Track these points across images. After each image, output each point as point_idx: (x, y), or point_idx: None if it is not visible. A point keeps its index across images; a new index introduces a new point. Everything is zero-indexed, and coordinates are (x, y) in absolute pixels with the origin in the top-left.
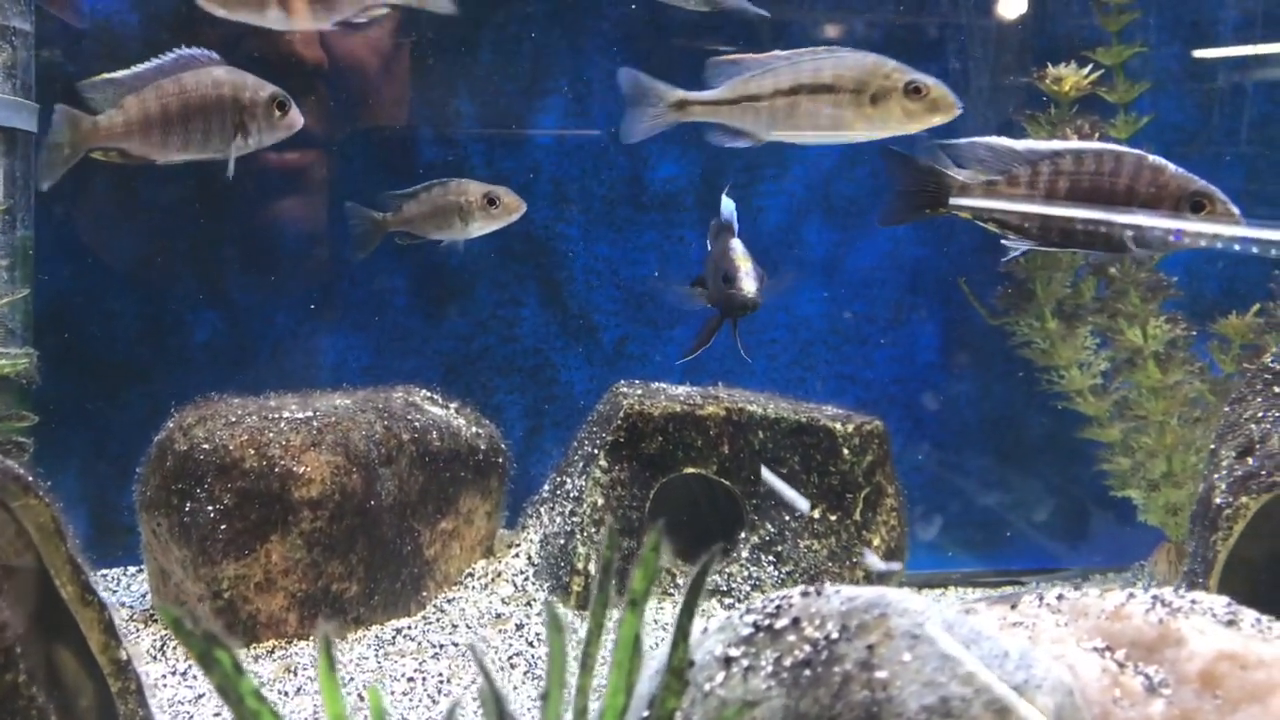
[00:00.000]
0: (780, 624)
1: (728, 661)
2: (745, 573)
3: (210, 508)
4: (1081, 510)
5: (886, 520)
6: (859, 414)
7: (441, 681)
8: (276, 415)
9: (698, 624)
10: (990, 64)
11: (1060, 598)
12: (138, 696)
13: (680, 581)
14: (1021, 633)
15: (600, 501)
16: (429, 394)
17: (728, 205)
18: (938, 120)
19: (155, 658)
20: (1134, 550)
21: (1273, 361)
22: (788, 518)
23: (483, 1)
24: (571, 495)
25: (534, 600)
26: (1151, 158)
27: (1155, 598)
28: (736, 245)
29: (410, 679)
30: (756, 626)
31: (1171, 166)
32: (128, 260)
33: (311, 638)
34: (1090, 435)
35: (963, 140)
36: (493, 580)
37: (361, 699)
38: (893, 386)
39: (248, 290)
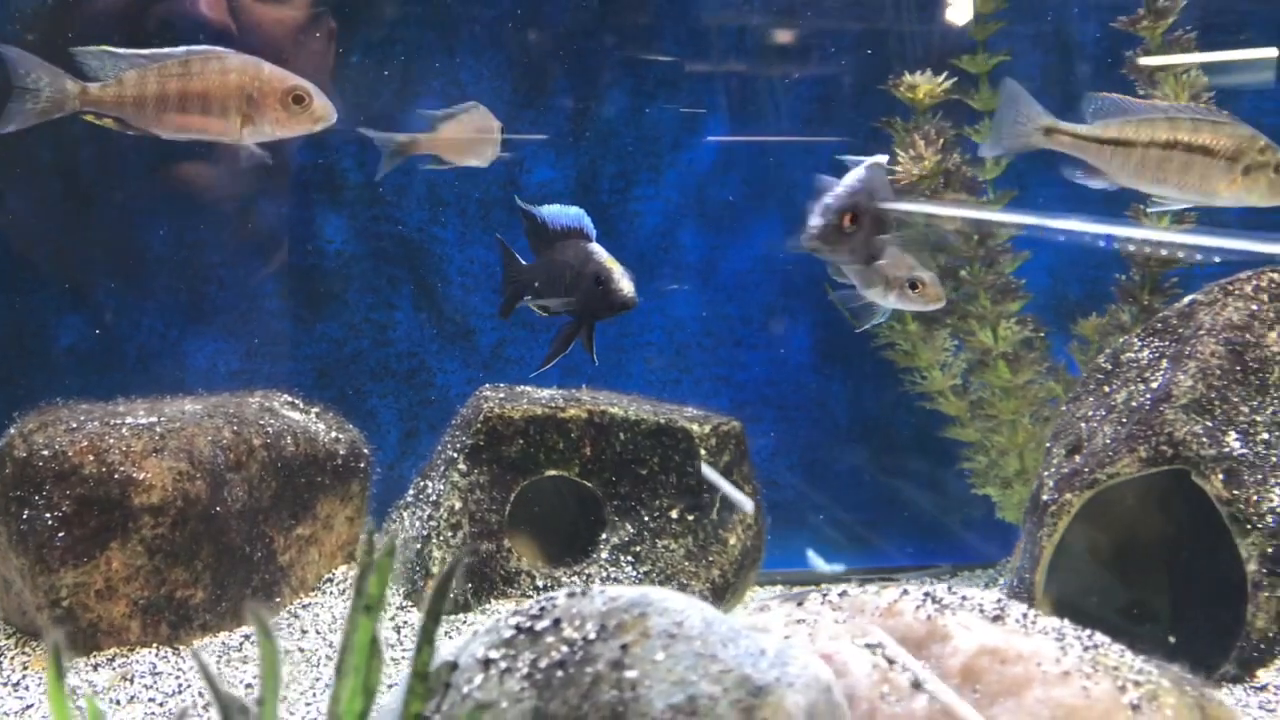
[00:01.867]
0: (541, 625)
1: (487, 664)
2: (604, 573)
3: (48, 515)
4: (951, 508)
5: (743, 519)
6: (717, 415)
7: (283, 688)
8: (119, 421)
9: None
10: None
11: (843, 595)
12: None
13: (540, 584)
14: (803, 630)
15: (458, 505)
16: (290, 399)
17: (569, 211)
18: None
19: None
20: (1003, 547)
21: (1105, 361)
22: (646, 519)
23: (355, 2)
24: (430, 499)
25: (388, 605)
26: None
27: (927, 595)
28: (599, 248)
29: (249, 685)
30: (519, 629)
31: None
32: None
33: (154, 644)
34: (952, 435)
35: None
36: (352, 585)
37: (201, 705)
38: (766, 388)
39: (114, 294)
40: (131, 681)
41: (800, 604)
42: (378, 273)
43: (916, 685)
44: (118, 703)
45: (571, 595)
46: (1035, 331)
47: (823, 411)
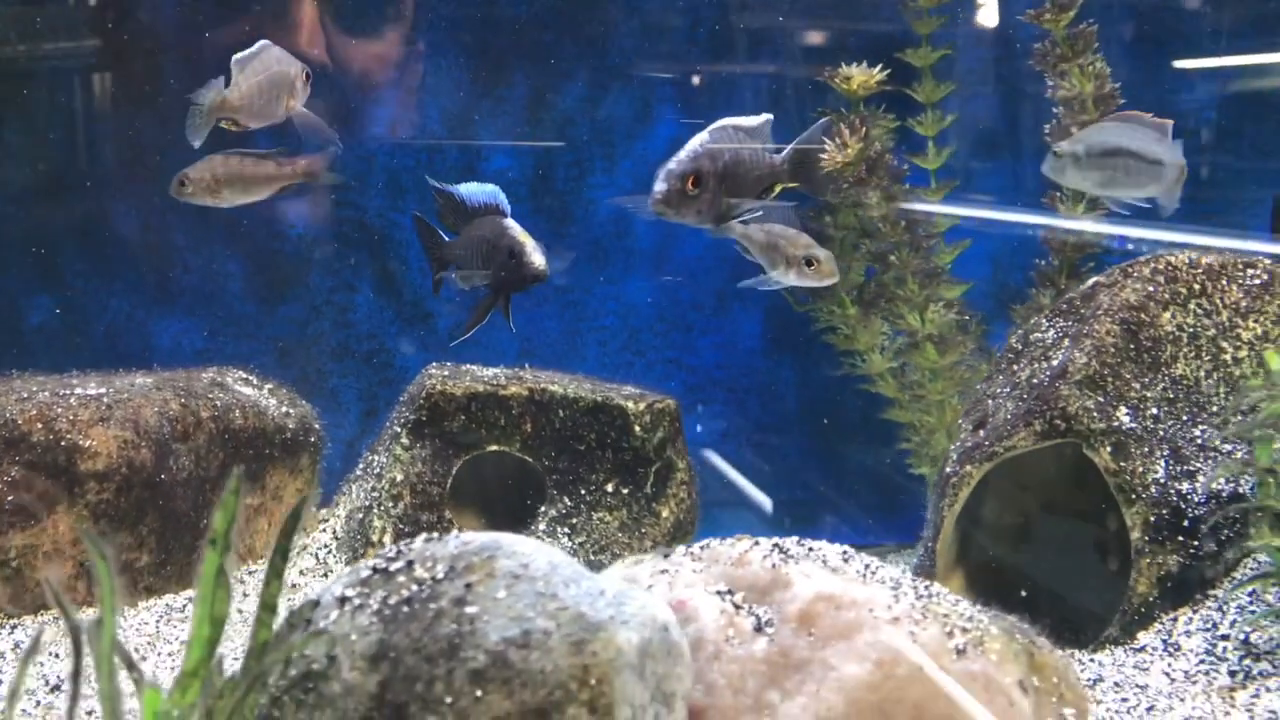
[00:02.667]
0: (395, 566)
1: (343, 601)
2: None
3: None
4: (891, 488)
5: (676, 494)
6: (653, 393)
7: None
8: (69, 392)
9: None
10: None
11: (704, 547)
12: None
13: None
14: (664, 579)
15: (399, 477)
16: (244, 375)
17: (485, 188)
18: None
19: None
20: None
21: (1016, 342)
22: (583, 492)
23: None
24: (375, 472)
25: (330, 572)
26: None
27: (775, 545)
28: (514, 224)
29: (184, 642)
30: (375, 569)
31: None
32: None
33: (97, 606)
34: (890, 416)
35: None
36: (298, 554)
37: (135, 662)
38: (716, 371)
39: (82, 274)
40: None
41: (666, 557)
42: (339, 257)
43: (759, 629)
44: (58, 656)
45: (429, 540)
46: (961, 315)
47: (771, 394)
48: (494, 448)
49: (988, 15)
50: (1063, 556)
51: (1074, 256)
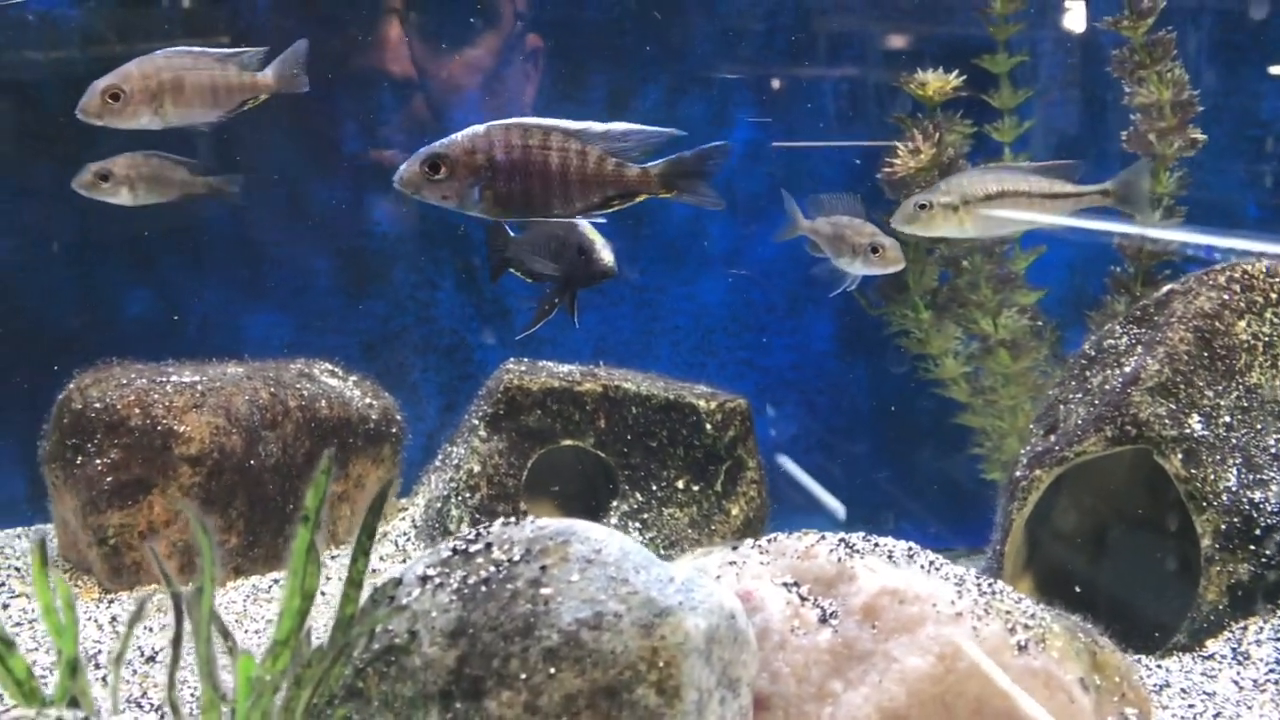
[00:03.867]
0: (474, 548)
1: (424, 579)
2: None
3: (98, 461)
4: (962, 492)
5: (746, 492)
6: (725, 393)
7: None
8: (165, 379)
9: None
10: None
11: (771, 540)
12: None
13: None
14: (732, 570)
15: (476, 469)
16: (330, 368)
17: None
18: None
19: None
20: None
21: (1089, 348)
22: (655, 488)
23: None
24: (453, 463)
25: (409, 559)
26: None
27: (842, 540)
28: (583, 221)
29: (270, 621)
30: (455, 550)
31: None
32: (64, 235)
33: (189, 583)
34: (963, 421)
35: None
36: (378, 541)
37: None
38: (789, 373)
39: (178, 268)
40: (165, 614)
41: (735, 549)
42: (422, 253)
43: (824, 620)
44: (151, 629)
45: (505, 524)
46: (1035, 320)
47: (843, 397)
48: (568, 442)
49: (1067, 21)
50: (1131, 563)
51: (1149, 263)
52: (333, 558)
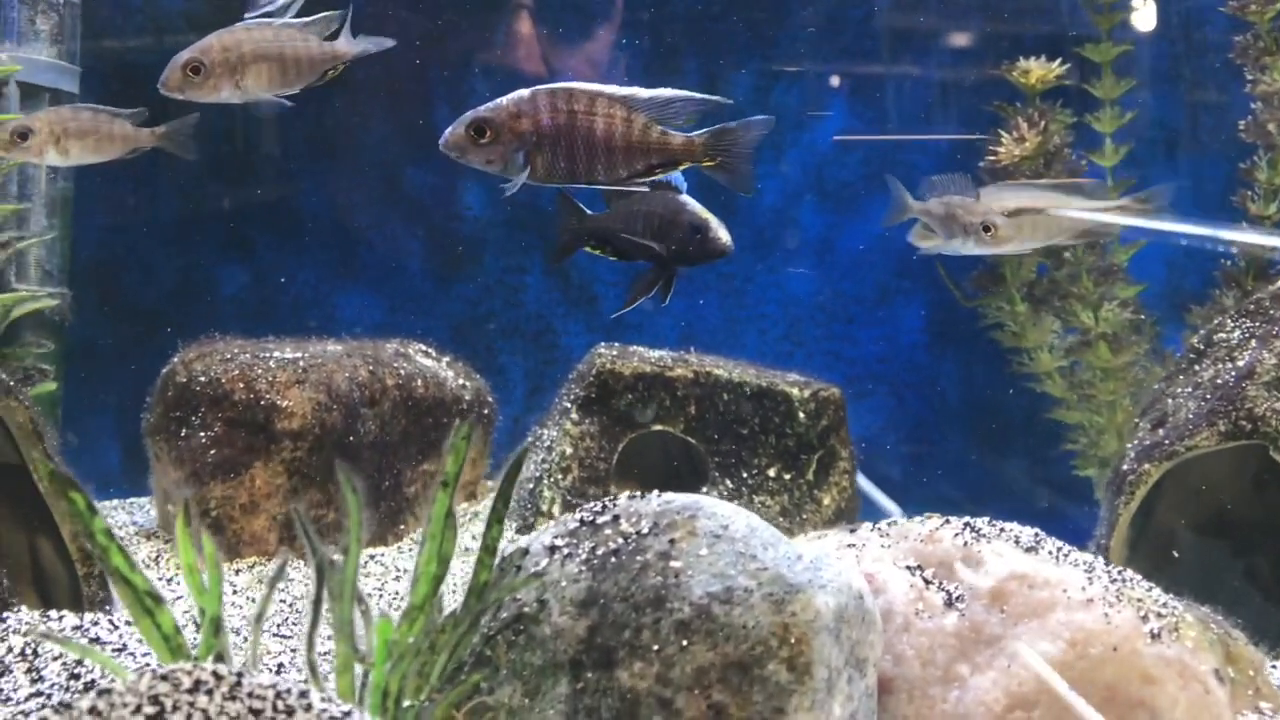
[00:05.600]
0: (602, 520)
1: (552, 550)
2: None
3: (202, 434)
4: (1053, 489)
5: (838, 481)
6: (817, 381)
7: (395, 597)
8: (267, 355)
9: None
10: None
11: (891, 523)
12: (99, 580)
13: None
14: (852, 553)
15: (569, 451)
16: (424, 348)
17: None
18: None
19: (148, 565)
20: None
21: (1198, 342)
22: (745, 476)
23: None
24: (545, 445)
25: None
26: None
27: (966, 524)
28: (690, 199)
29: (369, 594)
30: (582, 522)
31: None
32: (164, 216)
33: (290, 556)
34: (1057, 416)
35: None
36: (469, 520)
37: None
38: (877, 365)
39: (273, 249)
40: (263, 584)
41: (852, 531)
42: (511, 239)
43: (949, 604)
44: (252, 599)
45: (631, 498)
46: (1136, 314)
47: (933, 390)
48: (659, 427)
49: (1166, 11)
50: (1241, 561)
51: (1262, 257)
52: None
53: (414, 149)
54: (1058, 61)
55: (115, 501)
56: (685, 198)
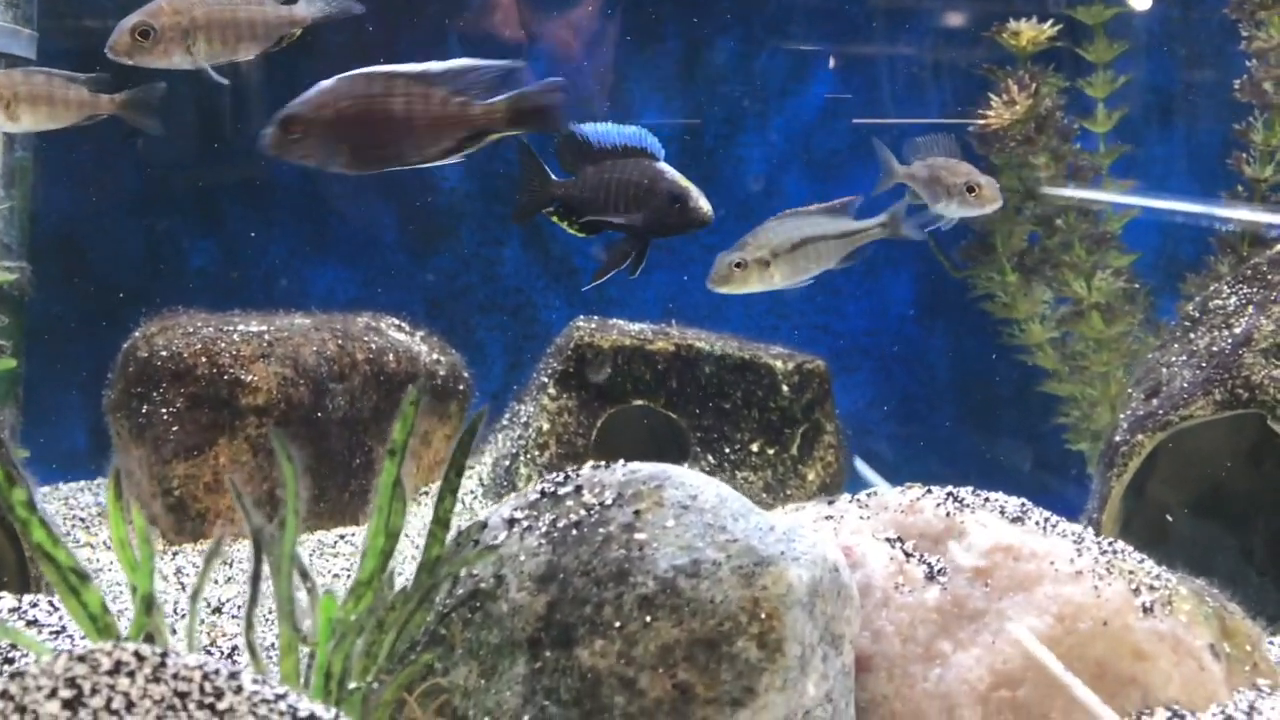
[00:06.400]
0: (564, 490)
1: (511, 523)
2: None
3: (164, 410)
4: (1044, 463)
5: (823, 456)
6: (802, 354)
7: None
8: (231, 329)
9: None
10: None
11: (871, 494)
12: None
13: None
14: (830, 525)
15: (546, 427)
16: (397, 322)
17: (626, 129)
18: None
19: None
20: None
21: (1193, 309)
22: (727, 451)
23: None
24: (521, 421)
25: (476, 517)
26: None
27: (949, 494)
28: (668, 167)
29: (336, 575)
30: (543, 493)
31: None
32: (129, 188)
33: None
34: (1049, 389)
35: None
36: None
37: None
38: (864, 338)
39: (244, 221)
40: (230, 566)
41: (830, 504)
42: (489, 211)
43: (931, 578)
44: (217, 582)
45: (595, 468)
46: (1130, 283)
47: (921, 363)
48: (639, 402)
49: None
50: (1237, 537)
51: (1258, 223)
52: None
53: None
54: (1049, 23)
55: (81, 483)
56: (663, 165)
